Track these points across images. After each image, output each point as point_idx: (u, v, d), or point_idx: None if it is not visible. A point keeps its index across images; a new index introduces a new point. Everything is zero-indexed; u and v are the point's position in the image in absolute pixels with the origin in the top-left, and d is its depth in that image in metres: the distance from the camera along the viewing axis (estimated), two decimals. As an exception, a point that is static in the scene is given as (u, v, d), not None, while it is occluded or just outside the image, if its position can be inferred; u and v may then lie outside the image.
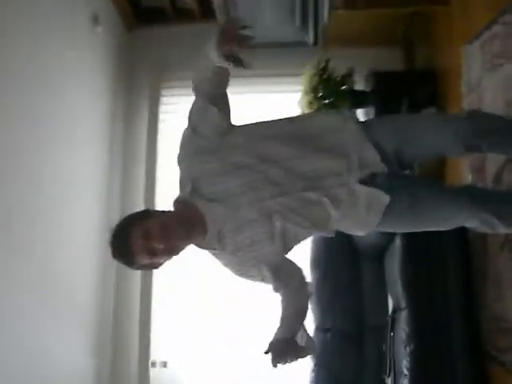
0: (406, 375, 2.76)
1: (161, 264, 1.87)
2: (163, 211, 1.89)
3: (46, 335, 3.11)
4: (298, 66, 3.81)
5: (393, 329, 3.01)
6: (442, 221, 1.99)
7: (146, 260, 1.79)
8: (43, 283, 3.09)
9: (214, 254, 1.94)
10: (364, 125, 2.01)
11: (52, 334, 3.18)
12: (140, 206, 4.14)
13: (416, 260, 2.91)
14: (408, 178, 2.17)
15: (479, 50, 2.94)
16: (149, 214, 1.84)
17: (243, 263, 1.89)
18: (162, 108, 4.33)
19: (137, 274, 4.07)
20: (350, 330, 3.40)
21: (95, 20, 3.75)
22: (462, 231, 2.98)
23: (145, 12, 4.41)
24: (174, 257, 1.84)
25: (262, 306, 3.99)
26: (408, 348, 2.77)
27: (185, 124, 1.98)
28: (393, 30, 4.12)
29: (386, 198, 1.88)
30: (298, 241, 1.93)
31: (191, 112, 1.98)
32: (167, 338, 4.13)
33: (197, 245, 1.89)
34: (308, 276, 2.07)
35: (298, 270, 2.01)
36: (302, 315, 1.97)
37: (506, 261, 2.61)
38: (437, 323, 2.81)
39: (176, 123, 4.34)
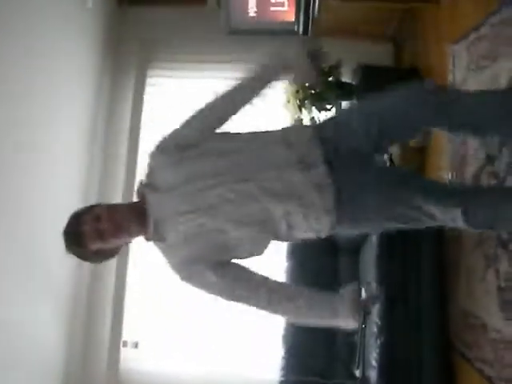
0: (374, 367, 2.81)
1: (112, 251, 1.92)
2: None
3: (19, 310, 3.10)
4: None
5: (364, 321, 3.04)
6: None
7: (95, 243, 1.81)
8: (18, 259, 3.07)
9: (160, 249, 1.92)
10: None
11: (24, 310, 3.17)
12: (121, 185, 4.14)
13: (391, 254, 2.94)
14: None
15: (465, 50, 2.96)
16: (99, 204, 1.91)
17: (182, 259, 1.86)
18: (148, 87, 4.31)
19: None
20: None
21: (86, -5, 3.71)
22: (439, 227, 3.03)
23: (136, -11, 4.37)
24: (125, 245, 1.95)
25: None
26: (378, 340, 2.81)
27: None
28: (383, 25, 4.14)
29: (321, 168, 1.81)
30: (240, 244, 1.85)
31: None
32: (139, 319, 4.14)
33: (145, 237, 1.91)
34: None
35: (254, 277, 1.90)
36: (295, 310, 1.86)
37: (478, 258, 2.65)
38: (408, 316, 2.86)
39: (160, 102, 4.34)
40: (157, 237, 1.88)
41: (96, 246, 1.82)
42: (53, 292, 3.58)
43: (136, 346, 4.09)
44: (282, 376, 3.38)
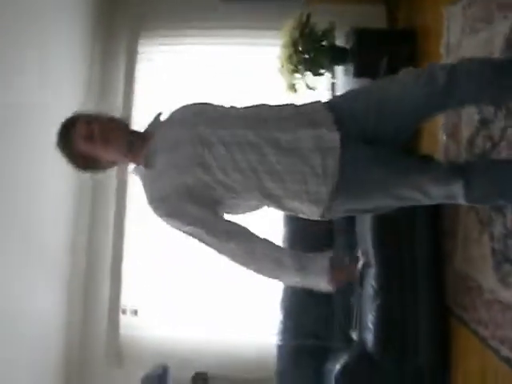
0: (370, 329, 2.85)
1: (97, 162, 1.94)
2: None
3: (16, 281, 3.12)
4: (280, 19, 3.75)
5: (361, 284, 3.08)
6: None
7: (83, 143, 1.86)
8: (15, 230, 3.08)
9: (143, 180, 1.94)
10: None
11: (21, 281, 3.18)
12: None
13: (386, 218, 2.94)
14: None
15: (461, 12, 2.93)
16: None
17: (167, 192, 1.84)
18: (139, 58, 4.25)
19: (110, 220, 4.08)
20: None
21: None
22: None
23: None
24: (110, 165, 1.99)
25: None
26: (374, 303, 2.85)
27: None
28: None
29: (334, 134, 1.81)
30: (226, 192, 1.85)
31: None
32: (138, 286, 4.17)
33: (133, 159, 1.95)
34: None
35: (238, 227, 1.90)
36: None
37: (473, 222, 2.68)
38: (404, 280, 2.89)
39: (152, 75, 4.29)
40: (147, 162, 1.90)
41: (83, 147, 1.87)
42: (50, 261, 3.60)
43: (135, 313, 4.13)
44: (280, 340, 3.42)
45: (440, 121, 3.14)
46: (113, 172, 3.96)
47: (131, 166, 2.00)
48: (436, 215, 2.99)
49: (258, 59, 4.18)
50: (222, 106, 1.97)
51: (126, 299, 4.12)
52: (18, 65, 3.05)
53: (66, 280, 3.81)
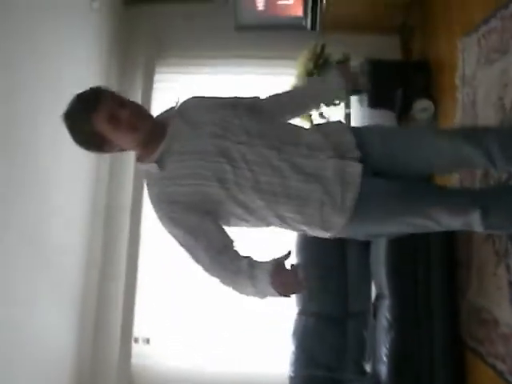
0: (384, 362, 2.81)
1: (104, 142, 1.88)
2: None
3: (29, 309, 3.10)
4: (294, 49, 3.79)
5: (375, 315, 3.05)
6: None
7: (105, 124, 1.80)
8: (28, 258, 3.07)
9: (151, 179, 1.91)
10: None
11: (34, 309, 3.17)
12: (130, 175, 4.13)
13: (401, 248, 2.93)
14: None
15: (476, 43, 2.94)
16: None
17: (170, 199, 1.84)
18: (156, 85, 4.30)
19: (123, 247, 4.08)
20: (332, 315, 3.43)
21: (92, -5, 3.70)
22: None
23: (143, -12, 4.36)
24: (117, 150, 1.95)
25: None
26: (388, 335, 2.81)
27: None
28: (391, 17, 4.11)
29: (357, 167, 1.84)
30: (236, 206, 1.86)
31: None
32: (151, 315, 4.15)
33: (146, 156, 1.90)
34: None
35: (225, 239, 1.92)
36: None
37: (489, 253, 2.64)
38: (418, 312, 2.85)
39: (168, 101, 4.32)
40: (160, 161, 1.86)
41: (103, 126, 1.81)
42: (63, 289, 3.59)
43: (147, 342, 4.10)
44: (292, 371, 3.38)
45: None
46: (128, 194, 4.08)
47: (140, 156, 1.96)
48: (451, 246, 2.97)
49: (272, 89, 4.20)
50: (245, 115, 1.94)
51: (139, 328, 4.10)
52: (31, 98, 3.09)
53: (79, 308, 3.79)
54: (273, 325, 3.97)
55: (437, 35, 3.69)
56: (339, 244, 3.48)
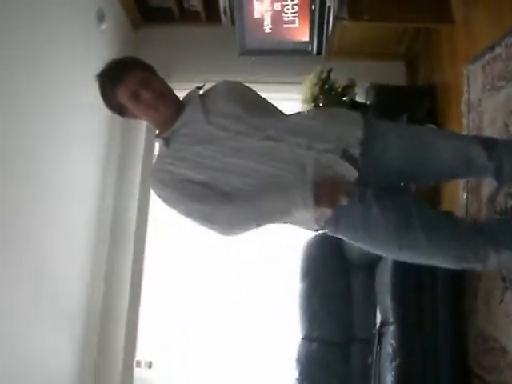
0: (389, 390, 2.77)
1: (124, 111, 1.97)
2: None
3: (30, 332, 3.07)
4: (300, 74, 3.81)
5: (380, 342, 3.01)
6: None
7: (126, 99, 1.90)
8: (31, 282, 3.06)
9: (159, 155, 1.98)
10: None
11: (36, 332, 3.14)
12: (133, 213, 4.15)
13: (406, 275, 2.91)
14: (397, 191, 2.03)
15: (481, 70, 2.95)
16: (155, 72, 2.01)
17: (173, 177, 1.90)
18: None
19: (126, 272, 4.07)
20: (337, 341, 3.40)
21: (101, 17, 3.73)
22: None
23: (151, 11, 4.40)
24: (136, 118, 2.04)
25: (249, 311, 4.01)
26: (393, 363, 2.76)
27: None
28: (397, 44, 4.15)
29: (353, 173, 1.83)
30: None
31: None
32: (153, 338, 4.12)
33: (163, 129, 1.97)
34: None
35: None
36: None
37: (496, 279, 2.62)
38: (424, 339, 2.82)
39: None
40: (168, 139, 1.93)
41: (125, 101, 1.90)
42: (65, 312, 3.57)
43: (150, 365, 4.07)
44: (296, 398, 3.34)
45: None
46: (133, 216, 4.11)
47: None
48: (457, 272, 2.94)
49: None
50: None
51: (141, 351, 4.07)
52: (43, 124, 3.10)
53: (81, 331, 3.77)
54: (277, 350, 3.94)
55: (442, 61, 3.71)
56: (344, 269, 3.47)
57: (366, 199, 1.83)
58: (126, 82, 1.88)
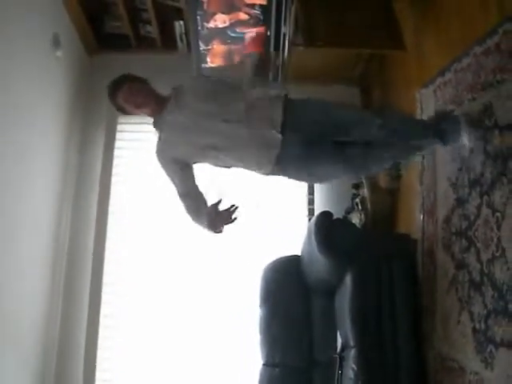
0: (352, 413, 2.76)
1: (125, 110, 2.68)
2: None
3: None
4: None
5: (341, 366, 3.00)
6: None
7: (122, 101, 2.62)
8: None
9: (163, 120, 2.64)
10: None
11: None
12: (90, 240, 4.10)
13: (365, 299, 2.92)
14: None
15: (433, 94, 3.02)
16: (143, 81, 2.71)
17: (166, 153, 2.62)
18: (119, 136, 4.32)
19: (84, 305, 4.01)
20: (298, 366, 3.39)
21: (56, 43, 3.68)
22: (412, 270, 3.04)
23: (107, 37, 4.37)
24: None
25: (210, 329, 3.97)
26: (355, 386, 2.77)
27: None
28: (351, 69, 4.23)
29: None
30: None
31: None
32: (113, 360, 4.06)
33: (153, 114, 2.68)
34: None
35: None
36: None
37: (452, 300, 2.65)
38: (384, 362, 2.83)
39: (131, 153, 4.33)
40: (156, 126, 2.67)
41: (121, 102, 2.62)
42: (23, 334, 3.47)
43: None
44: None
45: (417, 200, 3.18)
46: (90, 239, 4.08)
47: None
48: (415, 294, 2.98)
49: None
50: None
51: (100, 372, 4.00)
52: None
53: (38, 362, 3.67)
54: (238, 375, 3.89)
55: (395, 86, 3.80)
56: (303, 294, 3.47)
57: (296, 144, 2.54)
58: (122, 91, 2.61)
